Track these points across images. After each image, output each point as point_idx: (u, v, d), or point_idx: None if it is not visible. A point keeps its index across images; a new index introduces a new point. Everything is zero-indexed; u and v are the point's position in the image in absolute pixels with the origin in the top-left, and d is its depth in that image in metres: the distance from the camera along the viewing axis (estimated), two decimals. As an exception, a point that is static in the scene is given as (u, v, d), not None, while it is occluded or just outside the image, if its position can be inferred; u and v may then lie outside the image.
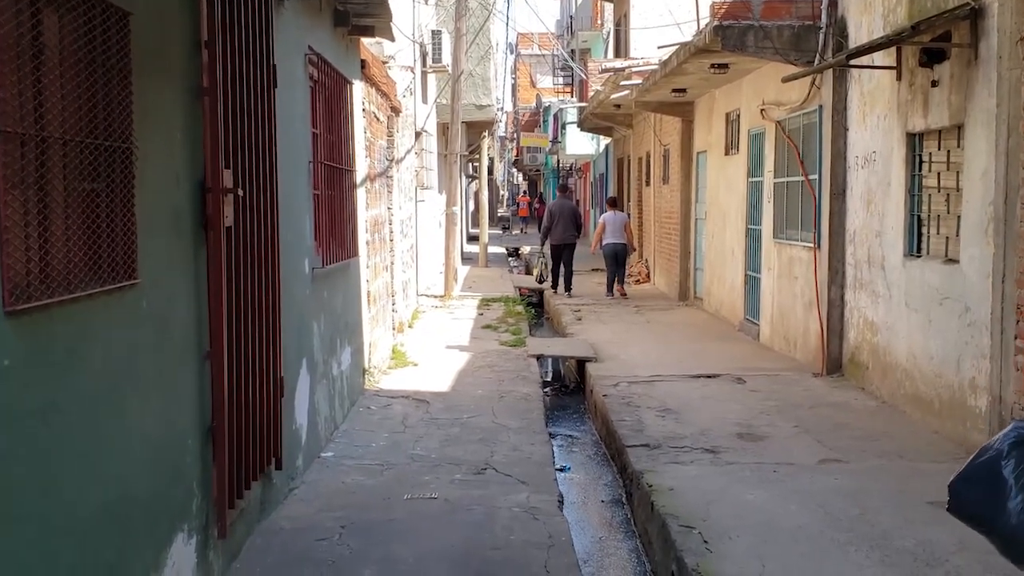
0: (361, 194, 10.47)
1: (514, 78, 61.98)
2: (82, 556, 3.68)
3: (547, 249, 20.93)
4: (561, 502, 6.92)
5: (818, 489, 6.85)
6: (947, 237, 8.69)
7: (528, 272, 28.91)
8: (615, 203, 21.62)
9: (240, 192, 5.30)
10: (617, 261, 19.92)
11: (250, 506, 5.83)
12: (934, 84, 8.71)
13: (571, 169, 49.92)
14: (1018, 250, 6.95)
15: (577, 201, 45.91)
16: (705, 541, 5.82)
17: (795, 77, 10.74)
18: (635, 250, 23.30)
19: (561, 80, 54.13)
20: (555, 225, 20.26)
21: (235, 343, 5.31)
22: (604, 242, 19.98)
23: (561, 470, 8.53)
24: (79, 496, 3.66)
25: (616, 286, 19.87)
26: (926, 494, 6.68)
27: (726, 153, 16.10)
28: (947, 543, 5.72)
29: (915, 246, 9.33)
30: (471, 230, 43.93)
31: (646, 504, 6.88)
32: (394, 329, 13.52)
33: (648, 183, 23.33)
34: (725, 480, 7.11)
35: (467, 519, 6.35)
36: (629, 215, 23.96)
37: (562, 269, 20.50)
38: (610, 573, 6.57)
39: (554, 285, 20.79)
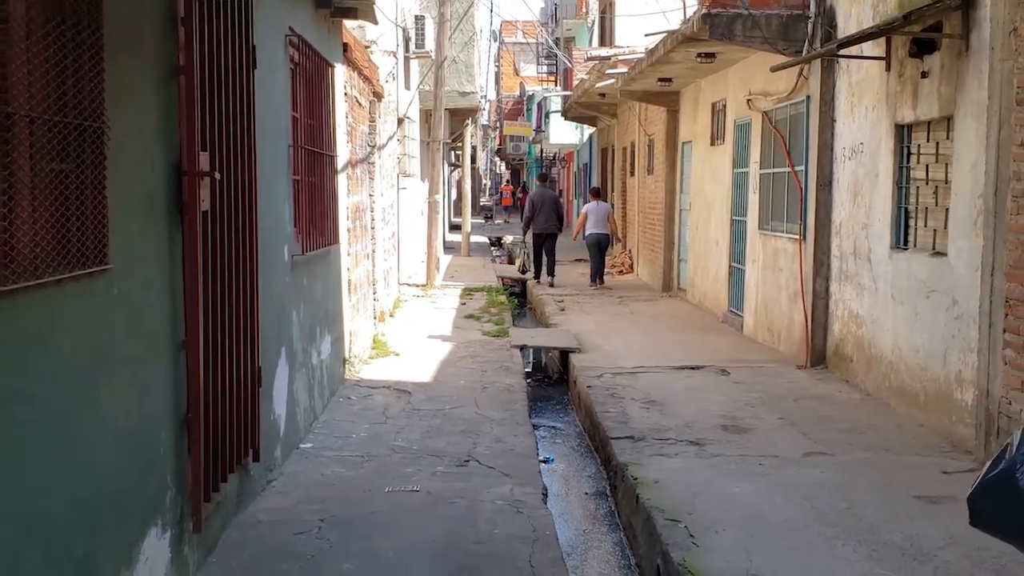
0: (342, 180, 10.32)
1: (497, 66, 61.78)
2: (49, 552, 3.54)
3: (529, 239, 20.86)
4: (545, 495, 6.80)
5: (804, 482, 6.76)
6: (935, 230, 8.60)
7: (511, 262, 28.80)
8: (599, 193, 21.56)
9: (217, 175, 5.15)
10: (600, 251, 19.91)
11: (227, 499, 5.69)
12: (924, 75, 8.61)
13: (555, 158, 49.81)
14: (1008, 243, 6.86)
15: (560, 191, 45.88)
16: (691, 535, 5.73)
17: (783, 67, 10.64)
18: (620, 241, 23.29)
19: (545, 69, 54.02)
20: (537, 215, 20.23)
21: (212, 331, 5.17)
22: (587, 232, 19.96)
23: (545, 461, 8.43)
24: (46, 489, 3.52)
25: (596, 284, 19.84)
26: (912, 488, 6.61)
27: (712, 143, 16.00)
28: (935, 537, 5.64)
29: (902, 238, 9.24)
30: (453, 219, 43.79)
31: (631, 497, 6.77)
32: (375, 318, 13.38)
33: (632, 173, 23.23)
34: (710, 473, 7.01)
35: (449, 512, 6.22)
36: (613, 205, 23.93)
37: (544, 258, 20.45)
38: (595, 567, 6.47)
39: (536, 275, 20.79)
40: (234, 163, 5.55)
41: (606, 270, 21.42)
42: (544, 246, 20.36)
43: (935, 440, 7.91)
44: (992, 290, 7.06)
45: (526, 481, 6.94)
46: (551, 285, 19.97)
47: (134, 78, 4.33)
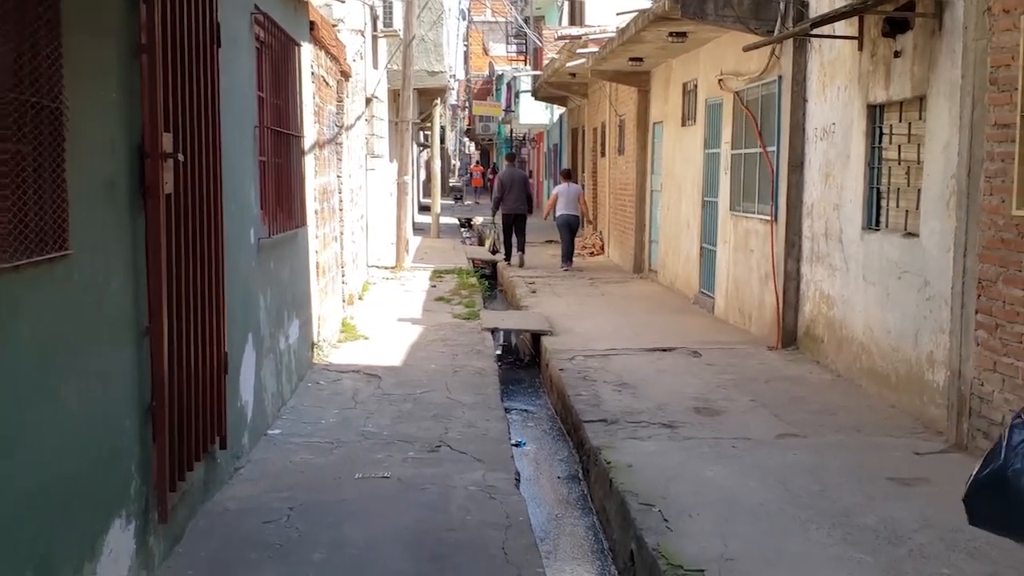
0: (310, 161, 10.18)
1: (466, 45, 61.44)
2: (8, 547, 3.43)
3: (499, 219, 20.91)
4: (518, 480, 6.72)
5: (777, 465, 6.72)
6: (907, 211, 8.58)
7: (481, 243, 28.71)
8: (569, 175, 21.50)
9: (181, 157, 5.02)
10: (571, 232, 19.91)
11: (193, 487, 5.58)
12: (896, 55, 8.57)
13: (524, 139, 49.63)
14: (981, 224, 6.84)
15: (530, 172, 45.75)
16: (665, 519, 5.68)
17: (756, 46, 10.57)
18: (590, 222, 23.28)
19: (514, 48, 53.76)
20: (506, 195, 20.23)
21: (176, 317, 5.05)
22: (558, 213, 19.94)
23: (517, 445, 8.36)
24: (4, 482, 3.41)
25: (567, 265, 19.81)
26: (885, 469, 6.59)
27: (683, 124, 15.94)
28: (909, 520, 5.61)
29: (874, 219, 9.22)
30: (423, 200, 43.56)
31: (604, 481, 6.72)
32: (344, 301, 13.26)
33: (603, 154, 23.14)
34: (684, 456, 6.97)
35: (421, 499, 6.13)
36: (584, 186, 23.84)
37: (515, 239, 20.39)
38: (568, 552, 6.41)
39: (507, 256, 20.74)
40: (198, 144, 5.43)
41: (577, 252, 21.43)
42: (515, 226, 20.33)
43: (907, 421, 7.90)
44: (964, 271, 7.04)
45: (498, 466, 6.86)
46: (521, 264, 19.97)
47: (94, 56, 4.20)
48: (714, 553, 5.16)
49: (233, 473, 6.47)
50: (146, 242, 4.74)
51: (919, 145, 8.30)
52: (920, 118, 8.31)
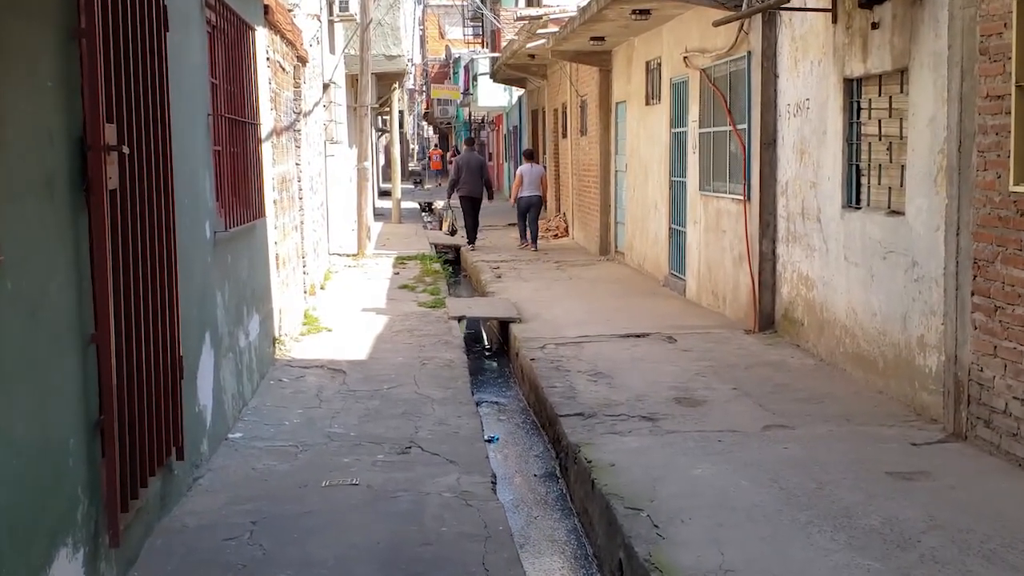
0: (267, 149, 9.74)
1: (422, 29, 60.83)
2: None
3: (455, 202, 21.17)
4: (494, 483, 6.32)
5: (768, 460, 6.39)
6: (890, 188, 8.27)
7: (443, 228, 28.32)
8: (531, 156, 21.44)
9: (125, 150, 4.59)
10: (535, 214, 19.96)
11: (148, 504, 5.16)
12: (874, 26, 8.25)
13: (483, 122, 49.19)
14: (975, 200, 6.52)
15: (490, 154, 45.42)
16: (655, 525, 5.33)
17: (725, 21, 10.21)
18: (544, 204, 23.26)
19: (471, 31, 53.25)
20: (462, 178, 20.44)
21: (125, 322, 4.63)
22: (520, 195, 19.98)
23: (490, 441, 8.00)
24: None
25: (526, 242, 19.96)
26: (883, 463, 6.28)
27: (647, 103, 15.60)
28: (916, 520, 5.29)
29: (854, 197, 8.91)
30: (383, 185, 43.06)
31: (585, 481, 6.37)
32: (306, 292, 12.82)
33: (565, 135, 22.78)
34: (669, 452, 6.63)
35: (393, 509, 5.72)
36: (545, 167, 23.58)
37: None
38: (551, 561, 6.03)
39: (471, 240, 20.69)
40: (146, 135, 5.00)
41: (540, 234, 21.47)
42: (473, 209, 20.50)
43: (897, 408, 7.61)
44: (958, 250, 6.73)
45: (473, 468, 6.48)
46: (472, 248, 20.17)
47: (26, 41, 3.77)
48: (712, 564, 4.80)
49: (192, 484, 6.05)
50: (90, 242, 4.32)
51: (901, 119, 7.99)
52: (902, 91, 8.00)
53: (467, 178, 20.37)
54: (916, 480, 5.92)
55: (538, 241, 20.14)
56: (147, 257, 4.96)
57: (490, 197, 21.03)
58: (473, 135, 33.08)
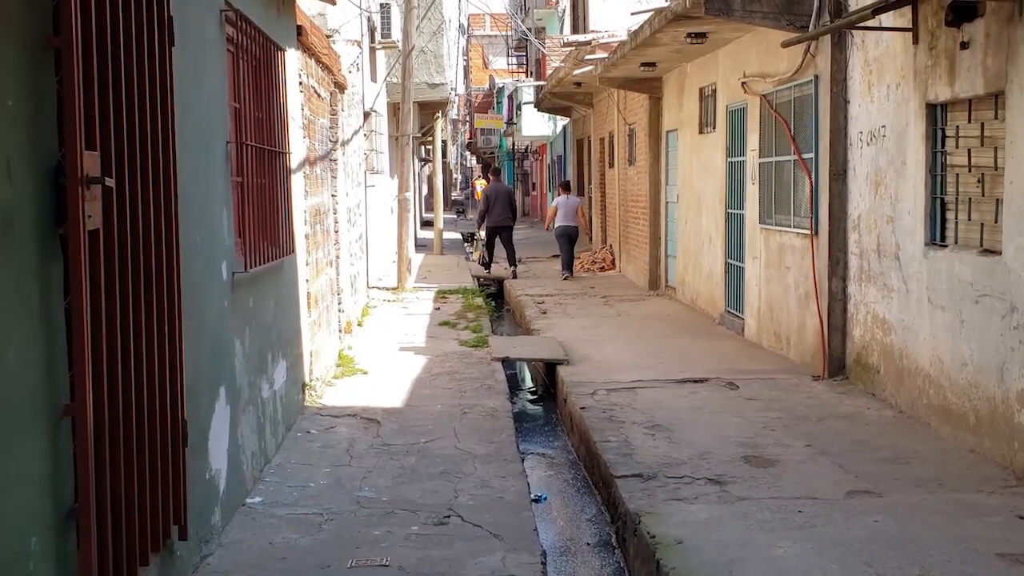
0: (299, 180, 9.07)
1: (466, 59, 60.56)
2: None
3: (482, 234, 21.86)
4: (544, 562, 5.55)
5: (858, 537, 5.56)
6: (982, 224, 7.44)
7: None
8: (568, 187, 21.62)
9: (110, 182, 3.88)
10: (570, 243, 20.11)
11: (142, 595, 4.43)
12: (964, 46, 7.45)
13: (527, 151, 48.68)
14: (1094, 241, 5.70)
15: (534, 184, 45.00)
16: (735, 623, 4.53)
17: (797, 41, 9.43)
18: (587, 234, 23.14)
19: (515, 61, 52.90)
20: (491, 208, 20.63)
21: (111, 388, 3.90)
22: (556, 224, 20.20)
23: (536, 500, 7.23)
24: None
25: (568, 274, 20.00)
26: (991, 542, 5.44)
27: (700, 131, 14.83)
28: (1043, 621, 4.47)
29: (939, 234, 8.07)
30: (425, 215, 42.57)
31: (649, 561, 5.56)
32: (341, 330, 12.12)
33: (612, 165, 22.06)
34: (743, 526, 5.81)
35: (428, 598, 4.98)
36: (591, 198, 23.20)
37: (495, 250, 21.20)
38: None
39: (487, 266, 21.30)
40: (141, 165, 4.29)
41: (587, 267, 21.70)
42: (500, 237, 20.76)
43: (994, 471, 6.75)
44: (1072, 298, 5.90)
45: (520, 545, 5.68)
46: (514, 276, 20.23)
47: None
48: None
49: (199, 563, 5.30)
50: (65, 293, 3.62)
51: (996, 148, 7.17)
52: (996, 117, 7.18)
53: (495, 208, 20.57)
54: (1036, 568, 5.08)
55: (573, 270, 20.31)
56: (141, 308, 4.25)
57: (513, 219, 21.28)
58: (495, 166, 32.30)
